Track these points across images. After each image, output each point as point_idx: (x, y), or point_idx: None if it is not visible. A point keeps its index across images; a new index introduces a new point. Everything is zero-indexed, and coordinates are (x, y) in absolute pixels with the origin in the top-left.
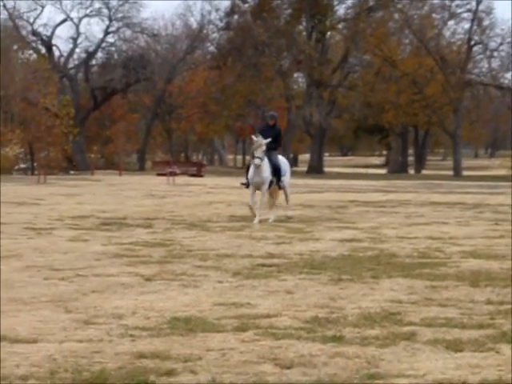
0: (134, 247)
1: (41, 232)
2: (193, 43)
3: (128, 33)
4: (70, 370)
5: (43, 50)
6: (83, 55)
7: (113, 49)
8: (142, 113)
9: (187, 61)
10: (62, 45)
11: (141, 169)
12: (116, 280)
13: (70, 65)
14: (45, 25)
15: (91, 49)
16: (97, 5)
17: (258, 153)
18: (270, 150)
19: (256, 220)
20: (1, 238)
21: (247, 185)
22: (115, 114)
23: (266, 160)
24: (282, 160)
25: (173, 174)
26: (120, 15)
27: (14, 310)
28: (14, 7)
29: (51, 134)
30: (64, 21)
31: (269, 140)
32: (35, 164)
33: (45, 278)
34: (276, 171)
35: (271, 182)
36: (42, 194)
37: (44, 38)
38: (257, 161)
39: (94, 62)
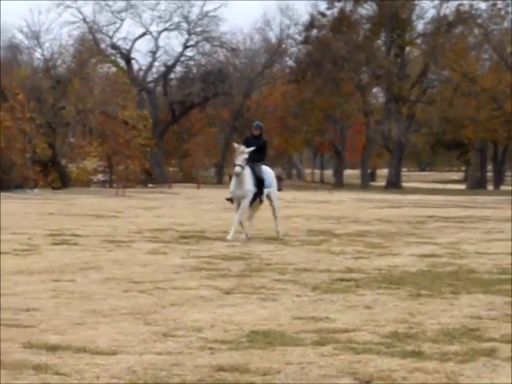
0: (212, 260)
1: (120, 244)
2: (271, 57)
3: (207, 47)
4: (150, 383)
5: (122, 64)
6: (162, 69)
7: (191, 63)
8: (220, 127)
9: (265, 75)
10: (141, 58)
11: (219, 182)
12: (195, 293)
13: (149, 78)
14: (124, 38)
15: (170, 62)
16: (176, 19)
17: (239, 160)
18: (254, 161)
19: (231, 235)
20: (75, 250)
21: (231, 200)
22: (193, 127)
23: (248, 171)
24: (268, 171)
25: None
26: (199, 29)
27: (93, 322)
28: (94, 21)
29: (130, 147)
30: (143, 34)
31: (252, 149)
32: (113, 177)
33: (124, 290)
34: (259, 183)
35: (255, 196)
36: (121, 207)
37: (123, 51)
38: (237, 169)
39: (172, 75)
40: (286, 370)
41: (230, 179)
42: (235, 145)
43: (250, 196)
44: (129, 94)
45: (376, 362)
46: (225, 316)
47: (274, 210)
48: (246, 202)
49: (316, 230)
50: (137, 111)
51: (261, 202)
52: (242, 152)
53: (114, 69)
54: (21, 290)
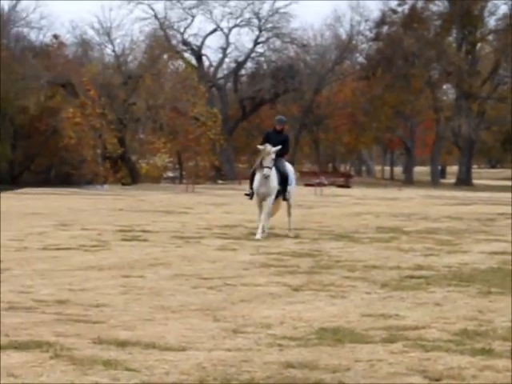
0: (281, 257)
1: (189, 241)
2: (342, 54)
3: (277, 43)
4: (219, 379)
5: (193, 60)
6: (232, 65)
7: (262, 59)
8: (289, 123)
9: (336, 71)
10: (211, 55)
11: None
12: (264, 290)
13: (220, 75)
14: (195, 34)
15: (240, 59)
16: (247, 15)
17: (267, 162)
18: (277, 156)
19: (259, 234)
20: (145, 246)
21: (251, 196)
22: (263, 124)
23: (273, 168)
24: (289, 168)
25: (320, 184)
26: (270, 25)
27: (162, 318)
28: (165, 17)
29: (199, 144)
30: (214, 31)
31: (278, 148)
32: (183, 173)
33: (193, 286)
34: (283, 180)
35: (278, 192)
36: (191, 203)
37: (194, 47)
38: (266, 171)
39: (243, 72)
40: (356, 368)
41: (253, 175)
42: (260, 146)
43: (275, 193)
44: (198, 91)
45: (446, 360)
46: (294, 313)
47: (289, 207)
48: (271, 201)
49: (385, 227)
50: (206, 108)
51: (284, 199)
52: (269, 153)
53: (184, 65)
54: (90, 285)
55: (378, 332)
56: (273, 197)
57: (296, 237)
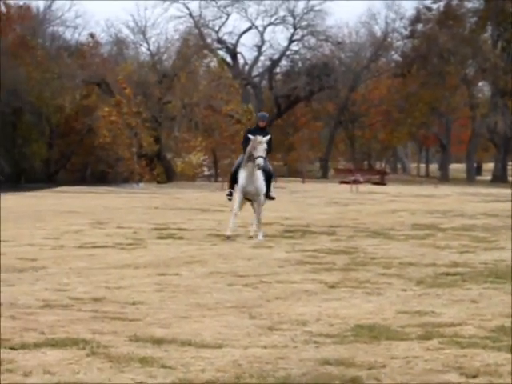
0: (317, 254)
1: (225, 238)
2: (377, 51)
3: (312, 41)
4: (255, 376)
5: (228, 58)
6: (267, 63)
7: (297, 57)
8: (325, 121)
9: (371, 69)
10: (246, 53)
11: (323, 176)
12: (300, 287)
13: (254, 73)
14: (230, 33)
15: (275, 57)
16: (282, 13)
17: (260, 151)
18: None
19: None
20: (180, 244)
21: (231, 196)
22: (298, 121)
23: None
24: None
25: (356, 181)
26: (305, 23)
27: (198, 316)
28: (200, 15)
29: (234, 142)
30: (249, 29)
31: (268, 137)
32: (218, 171)
33: (229, 284)
34: (268, 179)
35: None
36: (226, 201)
37: (229, 45)
38: (260, 160)
39: (278, 69)
40: (391, 365)
41: (235, 173)
42: (251, 136)
43: (263, 193)
44: (233, 88)
45: (482, 357)
46: (330, 310)
47: (261, 205)
48: (261, 200)
49: (421, 224)
50: (241, 105)
51: (270, 197)
52: (260, 142)
53: (215, 63)
54: (126, 283)
55: (413, 329)
56: (262, 197)
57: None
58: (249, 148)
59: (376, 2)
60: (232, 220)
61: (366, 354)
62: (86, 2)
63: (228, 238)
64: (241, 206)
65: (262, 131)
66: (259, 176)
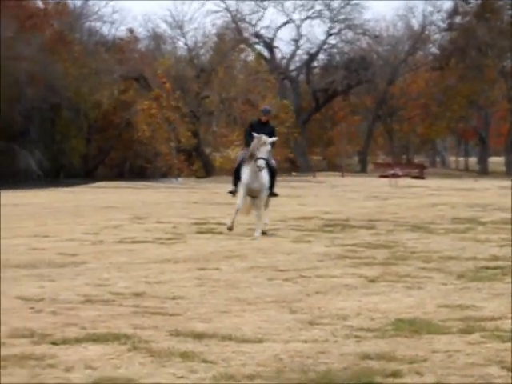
0: (357, 248)
1: (264, 233)
2: (414, 44)
3: (350, 34)
4: (296, 370)
5: (265, 52)
6: (305, 57)
7: (334, 50)
8: (363, 114)
9: (409, 62)
10: (283, 47)
11: (362, 170)
12: (339, 281)
13: (292, 67)
14: (267, 27)
15: (313, 51)
16: (318, 7)
17: (263, 152)
18: None
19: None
20: (220, 238)
21: (234, 193)
22: (336, 115)
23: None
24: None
25: (395, 175)
26: (342, 17)
27: (239, 310)
28: (237, 10)
29: None
30: (286, 23)
31: (275, 139)
32: None
33: (269, 278)
34: (272, 175)
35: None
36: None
37: (266, 40)
38: (261, 162)
39: (315, 63)
40: (433, 359)
41: (238, 168)
42: (255, 135)
43: (267, 189)
44: (269, 83)
45: None
46: (370, 304)
47: (267, 201)
48: (264, 197)
49: (461, 218)
50: (277, 100)
51: (273, 194)
52: (265, 143)
53: (251, 57)
54: (166, 278)
55: (454, 323)
56: (265, 193)
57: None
58: (252, 145)
59: None
60: (234, 215)
61: (406, 348)
62: None
63: (229, 229)
64: (244, 202)
65: (264, 125)
66: (264, 173)
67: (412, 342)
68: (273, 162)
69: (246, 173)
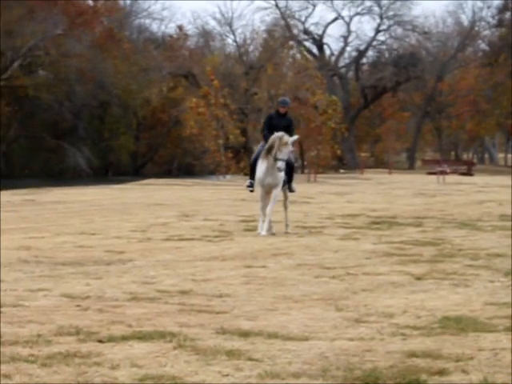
0: (404, 246)
1: (311, 230)
2: (464, 41)
3: (399, 31)
4: (342, 368)
5: (314, 49)
6: (354, 54)
7: (383, 47)
8: (412, 111)
9: (458, 58)
10: (332, 43)
11: (410, 167)
12: (386, 279)
13: (341, 63)
14: (316, 24)
15: (362, 47)
16: (368, 3)
17: (283, 154)
18: None
19: (264, 230)
20: (267, 236)
21: (252, 188)
22: (385, 112)
23: None
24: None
25: (443, 172)
26: (391, 13)
27: (285, 308)
28: (286, 6)
29: (321, 133)
30: (335, 19)
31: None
32: (305, 162)
33: (315, 276)
34: (290, 169)
35: (284, 182)
36: (312, 193)
37: (315, 36)
38: (280, 164)
39: (364, 60)
40: (479, 357)
41: (254, 163)
42: (277, 133)
43: (281, 184)
44: (317, 79)
45: None
46: (417, 302)
47: (286, 199)
48: (277, 192)
49: (509, 215)
50: (326, 96)
51: (290, 190)
52: (286, 144)
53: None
54: (213, 276)
55: (501, 321)
56: (280, 188)
57: (288, 233)
58: (271, 141)
59: None
60: (261, 222)
61: (453, 345)
62: None
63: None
64: (264, 200)
65: (282, 118)
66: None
67: (458, 340)
68: (291, 156)
69: (260, 168)
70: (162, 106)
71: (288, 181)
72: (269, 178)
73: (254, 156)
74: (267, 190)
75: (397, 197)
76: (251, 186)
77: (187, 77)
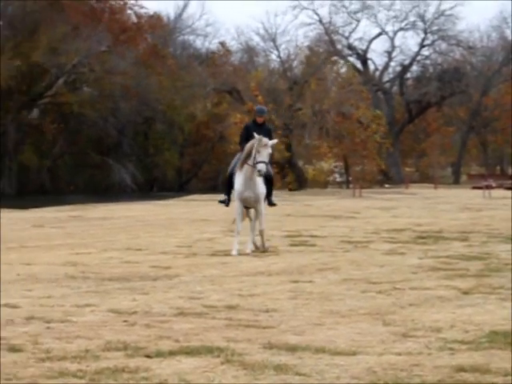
0: (450, 260)
1: (357, 245)
2: (508, 55)
3: (443, 45)
4: (390, 383)
5: (358, 64)
6: (398, 68)
7: (428, 62)
8: (456, 126)
9: (503, 73)
10: (376, 58)
11: (455, 182)
12: (433, 293)
13: (385, 78)
14: (360, 39)
15: (406, 62)
16: (412, 18)
17: (263, 156)
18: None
19: (235, 250)
20: (313, 251)
21: (227, 202)
22: (430, 127)
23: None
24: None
25: (489, 187)
26: (435, 28)
27: (332, 323)
28: (330, 22)
29: (365, 148)
30: (379, 34)
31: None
32: (350, 177)
33: (362, 290)
34: (268, 182)
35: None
36: (358, 208)
37: (359, 51)
38: (261, 166)
39: (408, 75)
40: None
41: (230, 177)
42: (256, 135)
43: (263, 199)
44: (362, 94)
45: None
46: (464, 316)
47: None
48: (262, 208)
49: None
50: (371, 111)
51: (271, 204)
52: (266, 145)
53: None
54: (260, 291)
55: None
56: (263, 204)
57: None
58: (248, 147)
59: (507, 4)
60: (236, 240)
61: (501, 360)
62: (216, 10)
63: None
64: (243, 216)
65: (260, 127)
66: (258, 180)
67: (506, 354)
68: (270, 169)
69: (238, 181)
70: (207, 122)
71: (268, 194)
72: (248, 192)
73: (229, 169)
74: (247, 205)
75: (442, 211)
76: (224, 201)
77: (231, 92)
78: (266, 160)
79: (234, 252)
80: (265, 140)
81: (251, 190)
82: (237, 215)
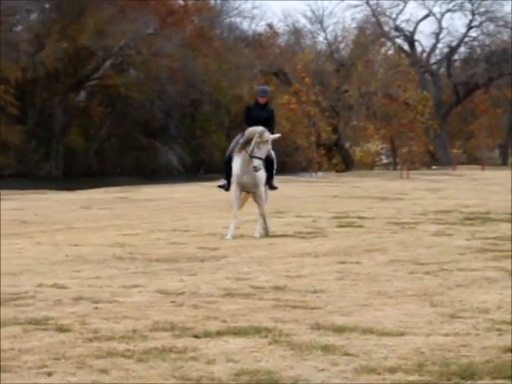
0: (498, 242)
1: (404, 226)
2: None
3: (491, 27)
4: (438, 364)
5: (405, 46)
6: (445, 50)
7: (475, 43)
8: (504, 107)
9: None
10: (424, 40)
11: (503, 164)
12: (481, 274)
13: (432, 60)
14: (407, 20)
15: (454, 44)
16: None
17: (261, 152)
18: None
19: (230, 234)
20: (360, 232)
21: (226, 187)
22: (477, 108)
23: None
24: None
25: None
26: (483, 9)
27: (380, 304)
28: (377, 3)
29: (413, 129)
30: (426, 16)
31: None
32: (397, 159)
33: (409, 272)
34: (269, 165)
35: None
36: (405, 189)
37: (406, 33)
38: (257, 163)
39: (456, 56)
40: None
41: (229, 159)
42: (257, 128)
43: (264, 184)
44: (409, 75)
45: None
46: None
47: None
48: (262, 192)
49: None
50: (417, 92)
51: (272, 187)
52: (267, 141)
53: (392, 51)
54: (307, 272)
55: None
56: (262, 188)
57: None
58: (249, 135)
59: None
60: (232, 224)
61: None
62: None
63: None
64: (240, 200)
65: (262, 109)
66: (260, 166)
67: None
68: (271, 152)
69: (236, 164)
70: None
71: (268, 178)
72: (245, 176)
73: (228, 152)
74: (246, 189)
75: (490, 193)
76: (223, 186)
77: (278, 74)
78: (263, 157)
79: (229, 236)
80: (266, 136)
81: (249, 174)
82: (233, 199)
